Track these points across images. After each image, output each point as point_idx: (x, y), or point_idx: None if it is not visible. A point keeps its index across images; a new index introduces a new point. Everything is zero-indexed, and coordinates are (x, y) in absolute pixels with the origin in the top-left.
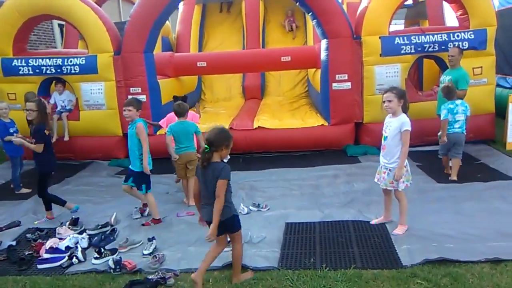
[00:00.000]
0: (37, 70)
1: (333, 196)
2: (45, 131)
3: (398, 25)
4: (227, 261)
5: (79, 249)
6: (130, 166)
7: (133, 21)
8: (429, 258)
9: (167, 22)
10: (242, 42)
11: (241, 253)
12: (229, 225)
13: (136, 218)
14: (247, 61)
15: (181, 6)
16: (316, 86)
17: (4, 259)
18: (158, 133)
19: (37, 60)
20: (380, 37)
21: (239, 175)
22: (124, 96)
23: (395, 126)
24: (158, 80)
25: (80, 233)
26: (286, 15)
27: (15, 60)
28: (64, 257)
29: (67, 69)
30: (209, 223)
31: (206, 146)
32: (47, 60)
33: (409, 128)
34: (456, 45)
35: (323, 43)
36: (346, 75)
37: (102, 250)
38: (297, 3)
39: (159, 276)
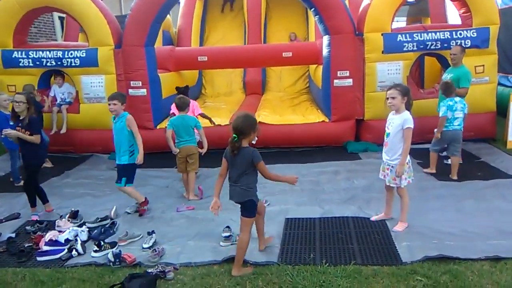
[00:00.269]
0: (37, 63)
1: (333, 192)
2: None
3: (400, 22)
4: (226, 256)
5: (79, 242)
6: (117, 161)
7: (134, 15)
8: (429, 255)
9: (168, 16)
10: (244, 37)
11: (245, 245)
12: (245, 207)
13: (129, 213)
14: (248, 56)
15: (182, 0)
16: (317, 82)
17: (4, 251)
18: (158, 127)
19: (38, 52)
20: (382, 34)
21: None
22: (124, 90)
23: (398, 123)
24: (159, 74)
25: (80, 226)
26: (289, 39)
27: (15, 52)
28: (64, 249)
29: (67, 61)
30: (236, 202)
31: (234, 135)
32: (48, 52)
33: (412, 126)
34: (458, 43)
35: (325, 39)
36: (348, 71)
37: (102, 243)
38: None
39: (158, 270)
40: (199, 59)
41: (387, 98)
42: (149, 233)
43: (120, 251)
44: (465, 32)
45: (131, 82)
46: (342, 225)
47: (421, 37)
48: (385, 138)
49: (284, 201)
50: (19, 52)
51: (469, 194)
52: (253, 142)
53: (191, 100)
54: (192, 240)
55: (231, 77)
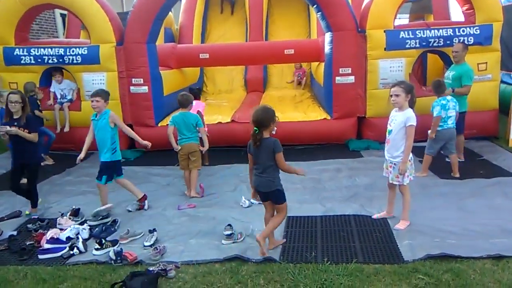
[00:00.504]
0: (39, 60)
1: (335, 190)
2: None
3: (402, 19)
4: (228, 255)
5: (80, 240)
6: (100, 159)
7: (136, 12)
8: (431, 254)
9: (170, 13)
10: (245, 34)
11: (278, 224)
12: (274, 197)
13: (130, 211)
14: (250, 53)
15: None
16: (319, 79)
17: (5, 249)
18: (159, 124)
19: (39, 49)
20: (385, 31)
21: (240, 167)
22: (126, 87)
23: (400, 120)
24: (161, 72)
25: (81, 223)
26: (294, 67)
27: (17, 49)
28: (65, 247)
29: (69, 59)
30: (259, 192)
31: (255, 128)
32: (49, 49)
33: (414, 123)
34: (461, 40)
35: (327, 36)
36: (350, 68)
37: (103, 241)
38: None
39: (160, 268)
40: (200, 57)
41: (391, 96)
42: (151, 231)
43: (121, 249)
44: (468, 29)
45: (133, 79)
46: (343, 223)
47: (423, 34)
48: (387, 135)
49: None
50: (21, 49)
51: (471, 192)
52: (273, 132)
53: (200, 102)
54: (193, 238)
55: (232, 74)
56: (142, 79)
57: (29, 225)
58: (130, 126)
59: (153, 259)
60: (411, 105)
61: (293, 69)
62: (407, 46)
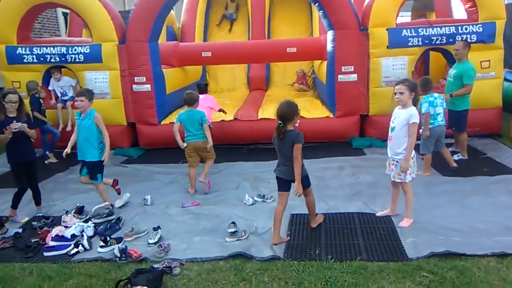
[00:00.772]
0: (41, 59)
1: (338, 188)
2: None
3: (404, 17)
4: (232, 252)
5: (85, 237)
6: (83, 158)
7: (138, 10)
8: (435, 251)
9: (171, 11)
10: (248, 33)
11: (313, 203)
12: (303, 183)
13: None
14: (253, 51)
15: None
16: (322, 77)
17: (11, 246)
18: (162, 122)
19: (41, 48)
20: (387, 29)
21: (243, 165)
22: (129, 85)
23: (403, 117)
24: (163, 70)
25: (86, 221)
26: (297, 75)
27: (19, 48)
28: (70, 245)
29: (71, 57)
30: (281, 179)
31: (280, 121)
32: (51, 48)
33: (417, 121)
34: (463, 38)
35: (329, 34)
36: (352, 67)
37: (108, 238)
38: None
39: (164, 265)
40: (203, 55)
41: (395, 93)
42: (155, 229)
43: (126, 246)
44: (470, 27)
45: (135, 77)
46: (347, 221)
47: (426, 32)
48: (389, 132)
49: (289, 197)
50: (23, 48)
51: (474, 190)
52: (296, 125)
53: (208, 96)
54: (197, 236)
55: (235, 72)
56: (144, 78)
57: (34, 223)
58: (133, 124)
59: (158, 257)
60: (414, 102)
61: (295, 70)
62: (409, 44)
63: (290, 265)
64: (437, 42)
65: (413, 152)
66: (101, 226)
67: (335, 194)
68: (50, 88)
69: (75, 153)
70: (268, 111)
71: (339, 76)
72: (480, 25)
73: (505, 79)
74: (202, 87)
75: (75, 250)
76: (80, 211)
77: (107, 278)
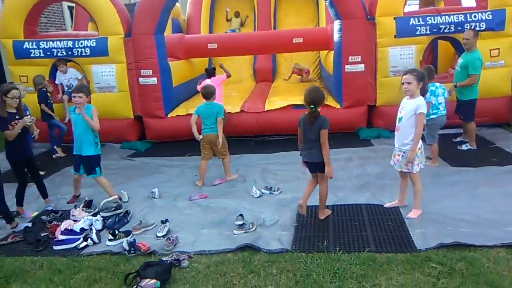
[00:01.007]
0: (48, 53)
1: (346, 179)
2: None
3: (412, 6)
4: (240, 244)
5: (94, 231)
6: (80, 153)
7: (144, 3)
8: (444, 242)
9: (177, 3)
10: (253, 24)
11: (326, 193)
12: (322, 167)
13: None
14: (258, 42)
15: None
16: (329, 68)
17: (21, 240)
18: (169, 115)
19: (48, 42)
20: (394, 18)
21: (250, 158)
22: (135, 78)
23: (411, 108)
24: (169, 62)
25: (94, 215)
26: (292, 71)
27: (26, 43)
28: (79, 238)
29: (78, 51)
30: (307, 162)
31: (311, 106)
32: (58, 42)
33: (425, 111)
34: (472, 27)
35: (336, 24)
36: (359, 57)
37: (116, 232)
38: None
39: (173, 258)
40: (209, 47)
41: (403, 83)
42: (163, 222)
43: (134, 239)
44: (480, 14)
45: (142, 70)
46: (355, 212)
47: (434, 20)
48: (397, 122)
49: (297, 189)
50: (30, 43)
51: (484, 180)
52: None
53: (216, 76)
54: (205, 229)
55: (241, 64)
56: (151, 71)
57: (44, 217)
58: (140, 118)
59: (166, 249)
60: (423, 93)
61: (304, 58)
62: (417, 33)
63: (298, 257)
64: (446, 30)
65: (421, 142)
66: (110, 220)
67: (343, 185)
68: (56, 82)
69: None
70: (275, 103)
71: (346, 66)
72: (490, 13)
73: None
74: (210, 71)
75: (84, 243)
76: (88, 205)
77: (116, 271)
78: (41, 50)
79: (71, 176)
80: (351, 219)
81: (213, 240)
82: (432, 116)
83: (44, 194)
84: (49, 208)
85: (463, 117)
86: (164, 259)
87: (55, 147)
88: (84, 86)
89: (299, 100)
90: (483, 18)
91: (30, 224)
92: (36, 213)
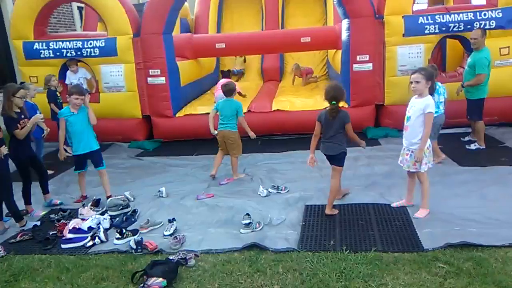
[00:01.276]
0: (58, 53)
1: (353, 178)
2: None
3: (421, 4)
4: (246, 243)
5: (101, 229)
6: (90, 149)
7: (152, 3)
8: (451, 242)
9: (185, 3)
10: (261, 23)
11: (336, 188)
12: (338, 159)
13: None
14: (266, 42)
15: None
16: (336, 67)
17: (30, 239)
18: (177, 115)
19: (57, 43)
20: (403, 17)
21: (257, 157)
22: (143, 78)
23: (419, 107)
24: (177, 62)
25: (102, 214)
26: (292, 71)
27: (36, 43)
28: (87, 237)
29: (87, 51)
30: (327, 155)
31: (333, 102)
32: (67, 43)
33: (433, 111)
34: (481, 25)
35: (344, 23)
36: (368, 56)
37: (124, 231)
38: None
39: (180, 257)
40: (217, 46)
41: (411, 82)
42: (170, 221)
43: (141, 238)
44: (489, 12)
45: (150, 70)
46: (362, 212)
47: (443, 19)
48: (405, 122)
49: (304, 188)
50: (40, 43)
51: (492, 180)
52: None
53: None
54: (212, 228)
55: (249, 63)
56: (159, 70)
57: (52, 216)
58: (148, 117)
59: (173, 248)
60: (431, 92)
61: (311, 57)
62: (426, 31)
63: (305, 256)
64: (455, 29)
65: (429, 142)
66: (117, 219)
67: (350, 184)
68: (66, 81)
69: None
70: (282, 103)
71: (354, 65)
72: (500, 11)
73: None
74: (226, 73)
75: (92, 242)
76: (96, 203)
77: (123, 269)
78: (51, 51)
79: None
80: (358, 219)
81: (220, 239)
82: (434, 115)
83: (46, 189)
84: (53, 202)
85: (469, 117)
86: (171, 257)
87: (64, 146)
88: (82, 88)
89: (308, 100)
90: (493, 16)
91: (38, 223)
92: (44, 212)
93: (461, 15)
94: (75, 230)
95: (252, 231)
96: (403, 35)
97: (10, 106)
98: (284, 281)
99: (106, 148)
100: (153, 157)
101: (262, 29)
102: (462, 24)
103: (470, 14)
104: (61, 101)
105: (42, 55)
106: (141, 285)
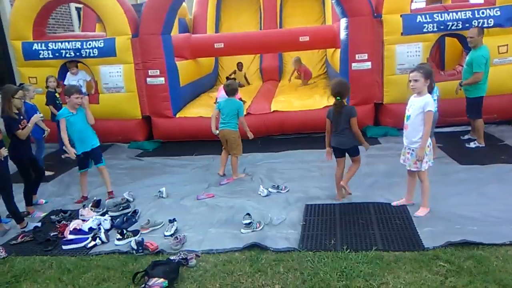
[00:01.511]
0: (57, 54)
1: (353, 177)
2: None
3: (419, 3)
4: (247, 243)
5: (102, 230)
6: (92, 146)
7: (150, 3)
8: (452, 241)
9: (183, 3)
10: (259, 23)
11: (354, 172)
12: (352, 151)
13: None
14: (265, 41)
15: None
16: (335, 66)
17: (31, 240)
18: (177, 115)
19: (57, 43)
20: (401, 15)
21: (257, 157)
22: (143, 79)
23: (419, 105)
24: (176, 62)
25: (103, 214)
26: (292, 65)
27: (35, 44)
28: (88, 238)
29: (86, 52)
30: (337, 149)
31: (337, 98)
32: (66, 43)
33: (433, 109)
34: (480, 23)
35: (343, 22)
36: (366, 54)
37: (124, 231)
38: None
39: (181, 257)
40: (215, 46)
41: (410, 81)
42: (171, 221)
43: (142, 239)
44: (488, 10)
45: (149, 70)
46: (362, 211)
47: (441, 17)
48: (405, 120)
49: (304, 187)
50: (39, 44)
51: (492, 178)
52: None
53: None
54: (213, 228)
55: (247, 64)
56: (158, 71)
57: (53, 217)
58: (148, 117)
59: (174, 249)
60: (430, 90)
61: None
62: (424, 30)
63: (306, 255)
64: (453, 27)
65: (429, 140)
66: (118, 219)
67: (350, 184)
68: (65, 83)
69: None
70: (281, 103)
71: (353, 64)
72: (498, 9)
73: None
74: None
75: (93, 243)
76: (97, 204)
77: (124, 270)
78: (49, 51)
79: (79, 176)
80: (359, 218)
81: (221, 239)
82: None
83: (36, 190)
84: (39, 201)
85: (469, 115)
86: (172, 258)
87: (64, 147)
88: (79, 88)
89: (307, 99)
90: (491, 14)
91: (39, 224)
92: (45, 213)
93: (459, 13)
94: (76, 231)
95: (253, 231)
96: (402, 33)
97: (10, 107)
98: (285, 281)
99: (106, 149)
100: (153, 157)
101: (261, 29)
102: (461, 22)
103: (468, 13)
104: (60, 102)
105: (41, 56)
106: (142, 285)
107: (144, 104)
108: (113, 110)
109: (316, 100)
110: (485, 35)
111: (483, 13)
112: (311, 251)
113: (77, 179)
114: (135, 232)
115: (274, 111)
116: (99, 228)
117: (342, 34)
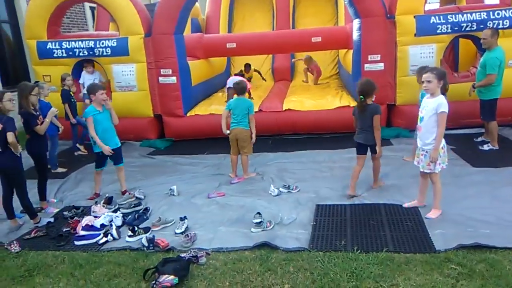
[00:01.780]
0: (70, 53)
1: (364, 178)
2: None
3: (433, 4)
4: (257, 242)
5: (114, 227)
6: (116, 146)
7: (163, 3)
8: (464, 244)
9: (196, 3)
10: (272, 23)
11: (379, 167)
12: (373, 148)
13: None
14: (277, 42)
15: None
16: (347, 67)
17: (44, 235)
18: (188, 114)
19: (70, 42)
20: (414, 16)
21: (268, 156)
22: (155, 78)
23: (432, 107)
24: (188, 62)
25: (114, 211)
26: (303, 63)
27: (49, 43)
28: (99, 234)
29: (99, 51)
30: (360, 144)
31: (361, 96)
32: (80, 42)
33: (446, 110)
34: (495, 24)
35: (355, 22)
36: (379, 55)
37: (136, 228)
38: None
39: (191, 255)
40: (227, 46)
41: (423, 82)
42: (181, 219)
43: (153, 236)
44: (503, 11)
45: (161, 70)
46: (373, 212)
47: (455, 18)
48: (418, 122)
49: (315, 187)
50: (53, 43)
51: (506, 181)
52: (372, 99)
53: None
54: (223, 226)
55: (259, 64)
56: (170, 70)
57: (65, 213)
58: (160, 116)
59: (184, 246)
60: (443, 91)
61: (322, 57)
62: (438, 31)
63: (316, 256)
64: (467, 29)
65: (443, 142)
66: (129, 216)
67: (362, 184)
68: (80, 81)
69: None
70: (293, 103)
71: (366, 65)
72: None
73: None
74: (240, 74)
75: (104, 239)
76: (109, 201)
77: (135, 266)
78: (63, 50)
79: (92, 174)
80: (369, 219)
81: (231, 237)
82: None
83: (43, 195)
84: (49, 210)
85: (482, 117)
86: (183, 255)
87: (77, 144)
88: (102, 85)
89: (319, 100)
90: (507, 15)
91: (52, 220)
92: (58, 209)
93: (473, 14)
94: (88, 227)
95: (263, 230)
96: (415, 34)
97: (27, 103)
98: (294, 280)
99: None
100: (164, 155)
101: (273, 29)
102: (475, 23)
103: (483, 14)
104: (75, 101)
105: (55, 55)
106: (153, 282)
107: (156, 102)
108: (125, 108)
109: (328, 101)
110: (500, 37)
111: (498, 14)
112: (321, 251)
113: (88, 176)
114: (146, 229)
115: (286, 109)
116: (111, 225)
117: (355, 35)
